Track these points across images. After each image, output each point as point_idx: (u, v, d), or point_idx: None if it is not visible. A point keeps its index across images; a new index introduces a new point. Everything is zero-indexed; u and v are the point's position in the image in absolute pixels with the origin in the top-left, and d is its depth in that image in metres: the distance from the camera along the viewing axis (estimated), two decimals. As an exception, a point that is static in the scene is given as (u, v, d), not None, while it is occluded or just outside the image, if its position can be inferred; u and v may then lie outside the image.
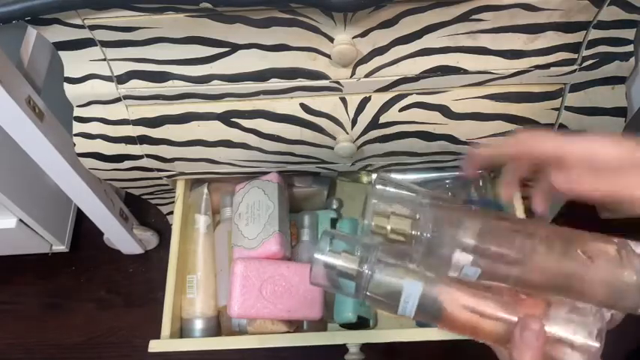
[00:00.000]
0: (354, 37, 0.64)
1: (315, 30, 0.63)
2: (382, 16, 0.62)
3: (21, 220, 0.99)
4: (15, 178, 0.90)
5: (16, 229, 0.99)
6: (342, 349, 0.79)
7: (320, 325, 0.88)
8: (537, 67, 0.68)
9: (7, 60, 0.73)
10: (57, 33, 0.65)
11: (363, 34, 0.64)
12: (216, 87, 0.71)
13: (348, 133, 0.75)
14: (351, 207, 0.97)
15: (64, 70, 0.70)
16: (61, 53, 0.68)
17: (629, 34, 0.66)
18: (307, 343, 0.81)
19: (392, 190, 0.51)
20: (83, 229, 1.18)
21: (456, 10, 0.62)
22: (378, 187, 0.51)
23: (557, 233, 0.47)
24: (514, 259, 0.45)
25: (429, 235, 0.46)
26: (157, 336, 0.85)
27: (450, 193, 0.87)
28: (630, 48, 0.68)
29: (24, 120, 0.76)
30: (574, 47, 0.67)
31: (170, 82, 0.70)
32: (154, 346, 0.83)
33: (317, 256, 0.49)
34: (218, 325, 0.91)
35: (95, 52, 0.67)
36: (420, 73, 0.69)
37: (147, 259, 1.18)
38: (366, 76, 0.69)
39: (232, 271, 0.83)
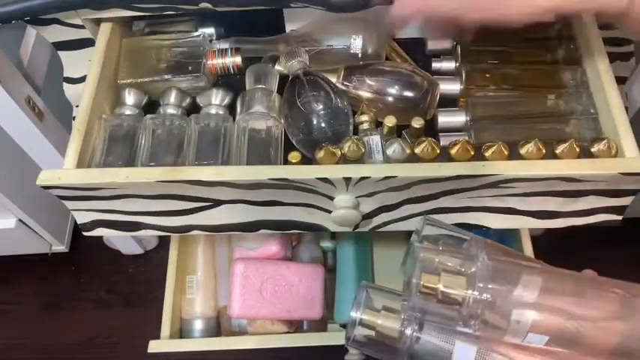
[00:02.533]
0: (358, 197, 0.57)
1: (313, 191, 0.57)
2: (391, 182, 0.55)
3: (21, 220, 0.99)
4: (15, 178, 0.90)
5: (15, 229, 0.99)
6: (342, 349, 0.79)
7: (320, 325, 0.88)
8: (575, 226, 0.62)
9: (7, 60, 0.73)
10: (56, 33, 0.65)
11: (369, 195, 0.57)
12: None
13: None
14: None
15: (64, 70, 0.70)
16: (61, 53, 0.68)
17: (629, 34, 0.66)
18: (307, 343, 0.81)
19: (440, 235, 0.44)
20: (83, 229, 1.18)
21: (481, 180, 0.55)
22: (425, 232, 0.43)
23: (623, 288, 0.41)
24: (580, 319, 0.39)
25: (486, 297, 0.39)
26: (157, 336, 0.85)
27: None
28: (630, 48, 0.67)
29: (24, 120, 0.76)
30: (619, 210, 0.61)
31: (142, 232, 0.64)
32: (154, 346, 0.83)
33: (354, 314, 0.42)
34: (218, 326, 0.91)
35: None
36: None
37: (147, 259, 1.17)
38: (372, 229, 0.63)
39: (232, 271, 0.83)
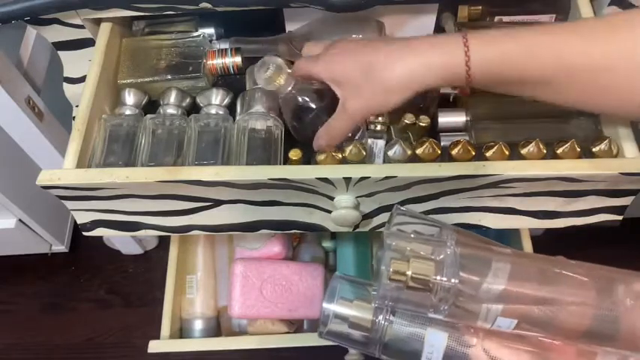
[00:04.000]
0: (358, 197, 0.57)
1: (313, 191, 0.57)
2: (391, 182, 0.54)
3: (20, 220, 0.99)
4: (15, 178, 0.90)
5: (15, 229, 0.99)
6: (342, 349, 0.79)
7: (320, 325, 0.88)
8: (575, 226, 0.62)
9: (7, 60, 0.73)
10: (56, 33, 0.65)
11: (369, 195, 0.57)
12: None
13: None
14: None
15: (64, 70, 0.70)
16: (61, 53, 0.68)
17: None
18: (307, 343, 0.81)
19: (410, 224, 0.45)
20: (83, 229, 1.18)
21: (482, 180, 0.54)
22: (396, 221, 0.44)
23: (596, 272, 0.42)
24: (550, 303, 0.40)
25: (454, 282, 0.39)
26: (157, 336, 0.85)
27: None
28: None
29: (24, 120, 0.76)
30: (619, 210, 0.60)
31: (142, 232, 0.64)
32: (154, 346, 0.83)
33: (326, 305, 0.43)
34: (218, 326, 0.91)
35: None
36: None
37: (147, 259, 1.17)
38: (372, 229, 0.63)
39: (232, 271, 0.83)
